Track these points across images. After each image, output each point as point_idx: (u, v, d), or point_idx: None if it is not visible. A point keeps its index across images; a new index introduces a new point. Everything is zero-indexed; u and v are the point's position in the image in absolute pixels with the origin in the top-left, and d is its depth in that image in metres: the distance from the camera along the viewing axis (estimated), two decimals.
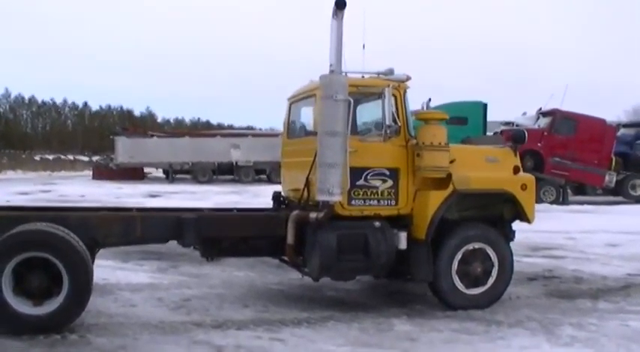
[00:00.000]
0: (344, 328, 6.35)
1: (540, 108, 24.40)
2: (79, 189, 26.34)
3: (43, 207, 8.03)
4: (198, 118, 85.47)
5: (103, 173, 36.88)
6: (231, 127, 68.85)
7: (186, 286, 8.22)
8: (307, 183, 7.09)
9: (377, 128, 7.18)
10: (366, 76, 7.29)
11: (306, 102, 7.73)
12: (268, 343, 5.79)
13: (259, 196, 26.81)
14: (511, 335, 6.14)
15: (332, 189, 6.49)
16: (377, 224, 6.87)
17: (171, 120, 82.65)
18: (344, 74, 6.71)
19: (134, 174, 36.56)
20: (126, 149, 35.90)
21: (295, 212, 6.98)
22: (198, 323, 6.43)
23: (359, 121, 7.52)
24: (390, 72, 7.27)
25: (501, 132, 22.68)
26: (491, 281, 7.20)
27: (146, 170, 39.20)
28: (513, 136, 7.83)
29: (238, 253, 7.52)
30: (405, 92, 7.15)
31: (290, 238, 6.94)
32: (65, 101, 75.31)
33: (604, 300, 7.65)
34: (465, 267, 7.10)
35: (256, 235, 7.22)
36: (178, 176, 37.42)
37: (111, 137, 38.87)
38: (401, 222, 7.05)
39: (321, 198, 6.60)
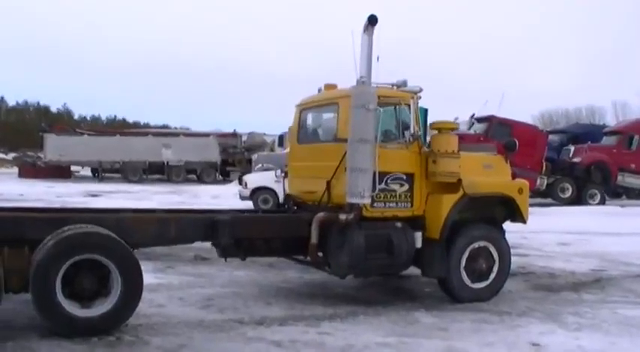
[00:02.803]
0: (375, 321, 6.83)
1: (474, 115, 25.75)
2: (14, 187, 25.29)
3: (77, 208, 7.99)
4: (115, 116, 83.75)
5: (30, 171, 35.45)
6: (147, 126, 67.72)
7: (198, 286, 8.42)
8: (328, 186, 7.52)
9: (385, 136, 7.71)
10: (380, 86, 7.79)
11: (323, 109, 8.15)
12: (319, 337, 6.15)
13: (199, 196, 26.80)
14: (526, 323, 6.85)
15: (363, 192, 6.97)
16: (398, 225, 7.41)
17: (88, 117, 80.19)
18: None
19: (62, 172, 35.47)
20: (55, 147, 34.70)
21: (321, 213, 7.37)
22: (238, 320, 6.69)
23: None
24: (404, 83, 7.83)
25: None
26: (492, 276, 7.93)
27: (73, 168, 37.98)
28: (505, 145, 8.63)
29: (257, 253, 7.80)
30: (417, 102, 7.73)
31: (314, 238, 7.33)
32: None
33: (585, 292, 8.55)
34: (472, 264, 7.78)
35: (281, 236, 7.57)
36: (107, 175, 36.55)
37: (40, 134, 37.39)
38: (415, 222, 7.63)
39: (352, 200, 7.04)
